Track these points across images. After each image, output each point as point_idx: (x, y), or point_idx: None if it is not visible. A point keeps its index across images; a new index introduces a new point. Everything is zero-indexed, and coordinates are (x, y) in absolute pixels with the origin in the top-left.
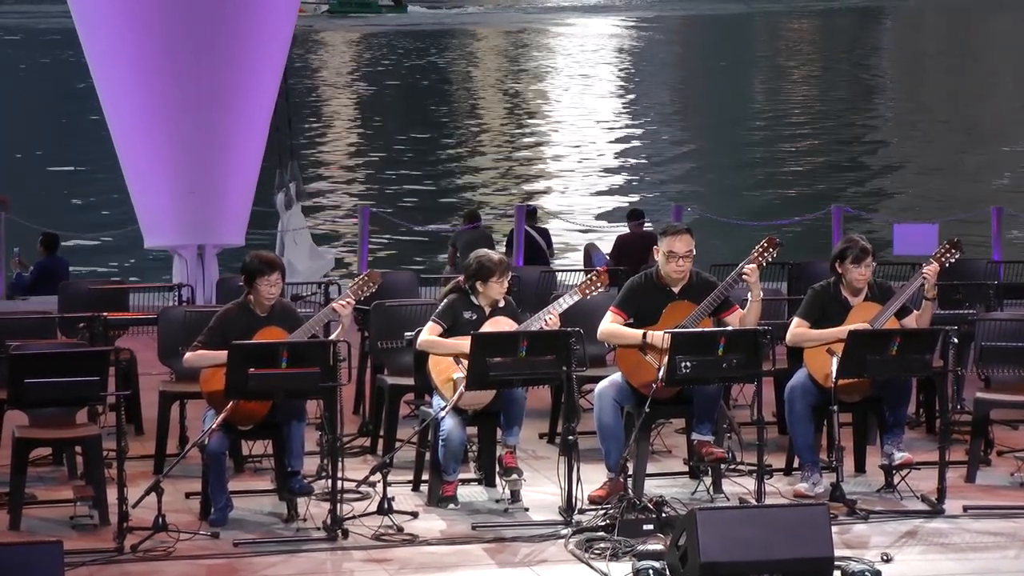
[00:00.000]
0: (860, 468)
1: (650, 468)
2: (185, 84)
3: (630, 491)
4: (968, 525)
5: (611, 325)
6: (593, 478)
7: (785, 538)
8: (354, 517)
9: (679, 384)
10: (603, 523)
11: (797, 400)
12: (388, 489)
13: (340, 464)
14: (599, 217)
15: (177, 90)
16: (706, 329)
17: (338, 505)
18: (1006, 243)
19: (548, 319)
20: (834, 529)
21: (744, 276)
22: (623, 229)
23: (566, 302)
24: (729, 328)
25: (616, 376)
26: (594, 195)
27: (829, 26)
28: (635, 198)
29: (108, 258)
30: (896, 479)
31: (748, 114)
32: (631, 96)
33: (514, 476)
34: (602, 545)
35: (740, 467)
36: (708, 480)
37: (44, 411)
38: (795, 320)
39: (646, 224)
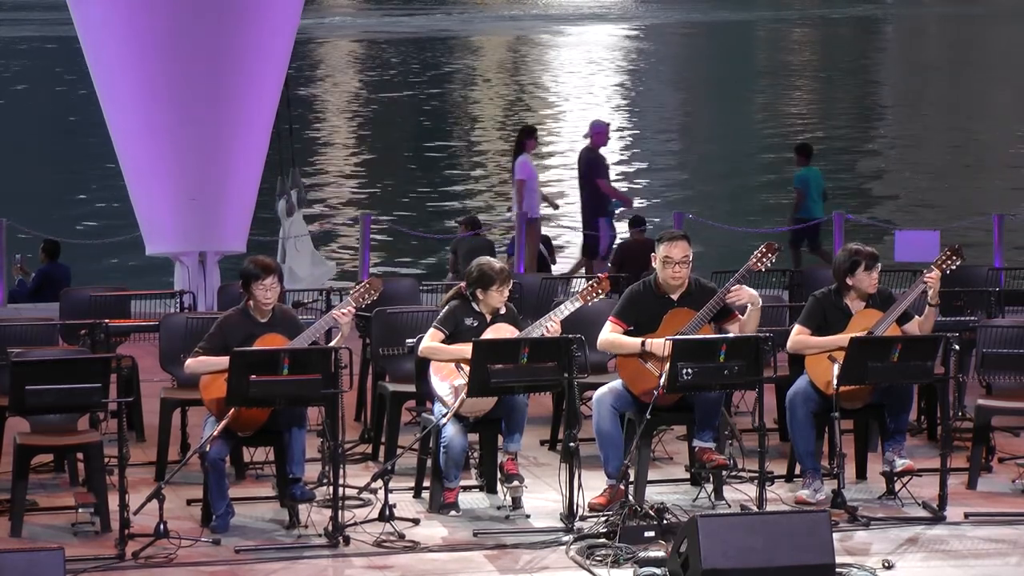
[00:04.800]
0: (861, 475)
1: (651, 475)
2: (186, 90)
3: (631, 498)
4: (969, 532)
5: (610, 335)
6: (594, 485)
7: (786, 545)
8: (355, 524)
9: (680, 391)
10: (604, 530)
11: (798, 407)
12: (389, 496)
13: (341, 471)
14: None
15: (178, 96)
16: (707, 336)
17: (339, 512)
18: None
19: (549, 326)
20: (835, 536)
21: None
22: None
23: (567, 309)
24: (730, 335)
25: (615, 383)
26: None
27: (830, 34)
28: (636, 205)
29: (108, 265)
30: (897, 486)
31: (748, 121)
32: (631, 104)
33: (515, 483)
34: (603, 552)
35: (741, 474)
36: (709, 487)
37: (45, 418)
38: (796, 327)
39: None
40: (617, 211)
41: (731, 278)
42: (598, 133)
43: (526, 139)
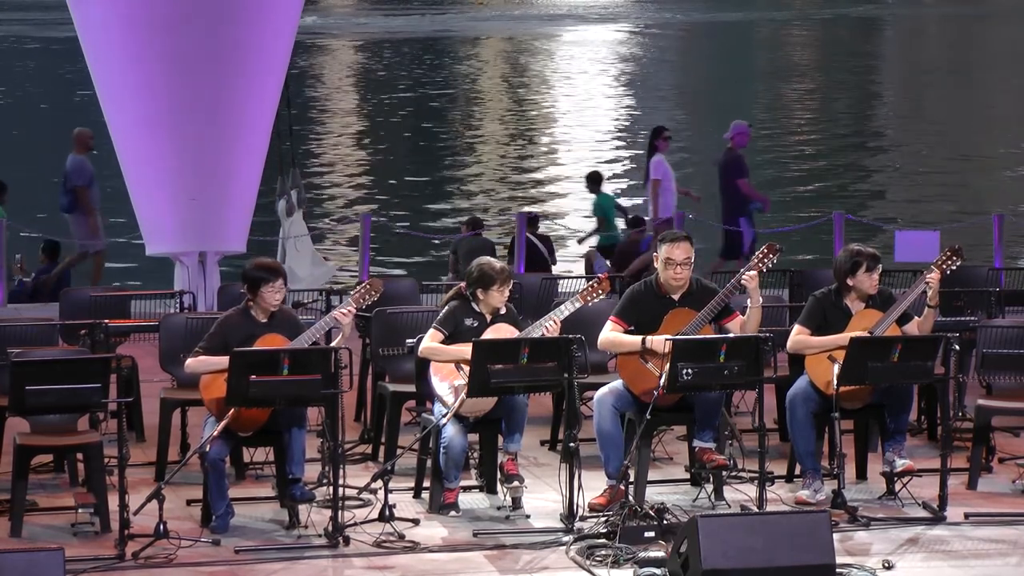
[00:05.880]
0: (862, 475)
1: (651, 475)
2: (186, 90)
3: (631, 498)
4: (970, 532)
5: (611, 334)
6: (594, 485)
7: (787, 545)
8: (355, 524)
9: (680, 391)
10: (604, 530)
11: (798, 407)
12: (389, 496)
13: (341, 471)
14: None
15: (178, 96)
16: (707, 336)
17: (339, 512)
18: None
19: (549, 326)
20: (835, 536)
21: (744, 283)
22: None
23: (567, 309)
24: (730, 335)
25: (616, 383)
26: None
27: (831, 35)
28: (636, 206)
29: (108, 264)
30: (898, 486)
31: (750, 122)
32: (632, 103)
33: (515, 483)
34: (603, 552)
35: (741, 474)
36: (710, 487)
37: (45, 418)
38: (796, 327)
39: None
40: (756, 211)
41: (732, 279)
42: (740, 134)
43: (658, 139)
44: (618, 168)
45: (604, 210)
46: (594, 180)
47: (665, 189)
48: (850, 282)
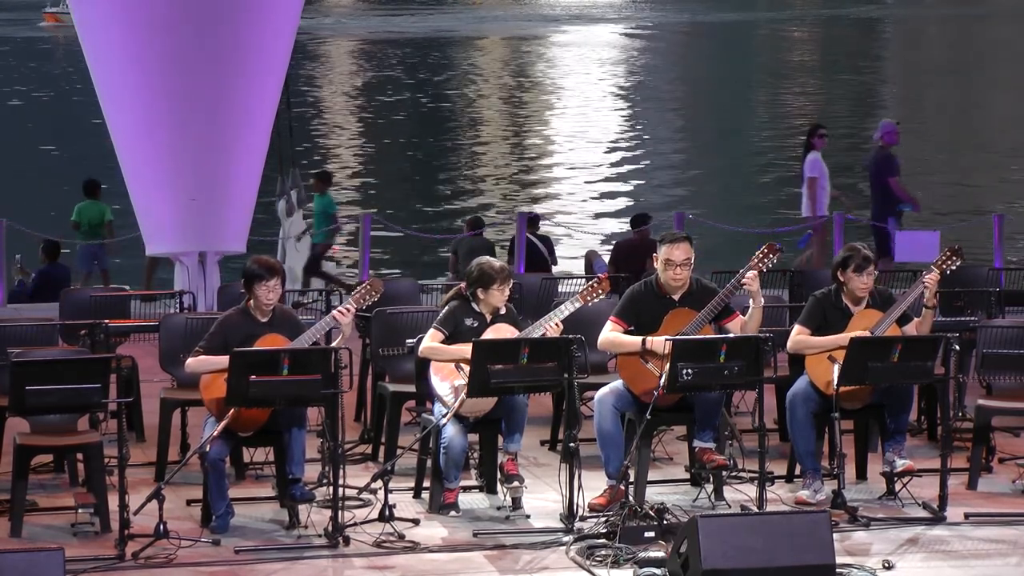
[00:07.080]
0: (862, 475)
1: (651, 475)
2: (186, 90)
3: (631, 498)
4: (970, 532)
5: (611, 334)
6: (594, 485)
7: (787, 545)
8: (355, 524)
9: (681, 391)
10: (604, 530)
11: (798, 407)
12: (389, 496)
13: (341, 471)
14: (600, 221)
15: (178, 96)
16: (707, 336)
17: (339, 512)
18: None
19: (549, 326)
20: (835, 536)
21: (744, 283)
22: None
23: (567, 309)
24: (731, 335)
25: (616, 383)
26: (595, 205)
27: (830, 34)
28: (637, 206)
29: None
30: (898, 486)
31: (749, 122)
32: (632, 104)
33: (515, 483)
34: (603, 552)
35: (742, 474)
36: (710, 487)
37: (45, 418)
38: (796, 327)
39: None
40: (904, 211)
41: (732, 279)
42: (888, 132)
43: (814, 137)
44: (620, 166)
45: (326, 208)
46: (323, 180)
47: (820, 187)
48: (841, 277)
